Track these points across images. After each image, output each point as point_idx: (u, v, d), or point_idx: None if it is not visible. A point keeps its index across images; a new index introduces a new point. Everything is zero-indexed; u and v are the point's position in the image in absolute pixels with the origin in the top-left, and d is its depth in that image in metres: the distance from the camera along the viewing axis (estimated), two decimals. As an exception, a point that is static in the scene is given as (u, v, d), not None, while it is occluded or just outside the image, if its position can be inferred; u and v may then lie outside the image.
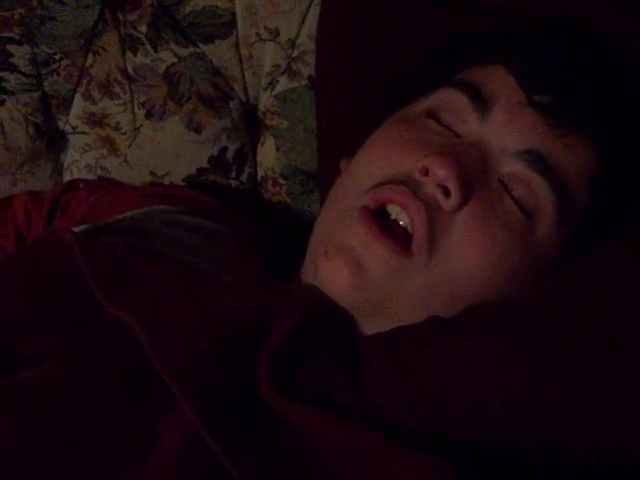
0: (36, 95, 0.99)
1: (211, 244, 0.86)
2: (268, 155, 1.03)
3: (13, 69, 0.97)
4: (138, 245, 0.81)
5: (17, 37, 0.97)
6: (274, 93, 1.00)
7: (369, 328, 0.72)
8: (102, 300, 0.70)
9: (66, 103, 1.00)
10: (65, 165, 1.03)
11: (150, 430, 0.63)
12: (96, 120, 1.00)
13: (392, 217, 0.72)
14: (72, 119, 1.00)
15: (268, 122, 1.01)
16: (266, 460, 0.62)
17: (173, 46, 0.98)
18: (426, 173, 0.71)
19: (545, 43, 0.79)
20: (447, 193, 0.70)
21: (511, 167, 0.73)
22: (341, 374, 0.66)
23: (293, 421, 0.64)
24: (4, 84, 0.98)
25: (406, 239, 0.71)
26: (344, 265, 0.72)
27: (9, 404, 0.65)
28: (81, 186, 0.99)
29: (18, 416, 0.64)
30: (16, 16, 0.96)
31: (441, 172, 0.70)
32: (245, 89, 1.01)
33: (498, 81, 0.76)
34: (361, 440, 0.63)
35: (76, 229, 0.82)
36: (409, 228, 0.71)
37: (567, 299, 0.70)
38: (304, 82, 0.98)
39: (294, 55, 0.98)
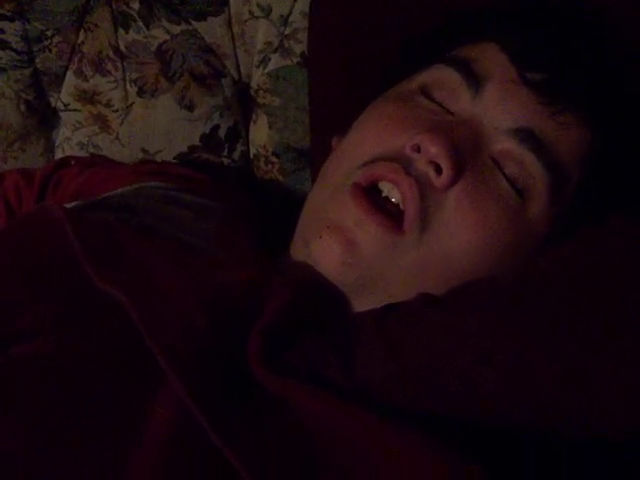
0: (27, 72, 0.98)
1: (202, 220, 0.85)
2: (260, 133, 1.03)
3: (4, 46, 0.97)
4: (129, 221, 0.81)
5: (8, 14, 0.96)
6: (266, 71, 1.00)
7: (360, 305, 0.72)
8: (93, 276, 0.69)
9: (58, 80, 0.99)
10: (57, 142, 1.03)
11: (142, 407, 0.63)
12: (88, 97, 1.00)
13: (384, 194, 0.72)
14: (64, 96, 1.00)
15: (260, 100, 1.01)
16: (257, 436, 0.62)
17: (165, 23, 0.97)
18: (418, 150, 0.71)
19: (539, 21, 0.79)
20: (439, 170, 0.70)
21: (503, 145, 0.72)
22: (332, 351, 0.66)
23: (285, 398, 0.63)
24: None
25: (398, 216, 0.71)
26: (336, 242, 0.72)
27: (3, 382, 0.65)
28: (73, 163, 0.98)
29: (13, 396, 0.64)
30: None
31: (433, 149, 0.70)
32: (237, 67, 1.00)
33: (491, 58, 0.75)
34: (352, 417, 0.62)
35: (67, 205, 0.81)
36: (401, 205, 0.71)
37: (558, 277, 0.70)
38: (296, 60, 0.98)
39: (286, 33, 0.98)
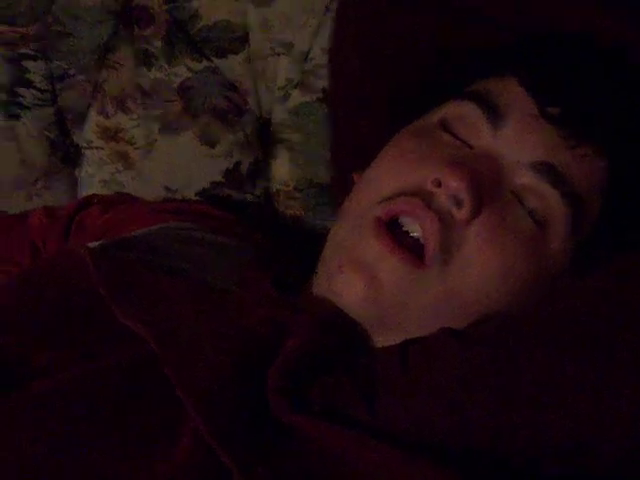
0: (51, 110, 0.99)
1: (223, 259, 0.85)
2: (282, 169, 1.01)
3: (28, 84, 0.98)
4: (151, 261, 0.80)
5: (32, 53, 0.97)
6: (287, 107, 0.99)
7: (381, 340, 0.71)
8: (116, 313, 0.68)
9: (80, 118, 1.00)
10: (80, 180, 1.03)
11: (162, 437, 0.62)
12: (110, 135, 1.00)
13: (404, 229, 0.70)
14: (86, 134, 1.00)
15: (281, 136, 1.00)
16: (276, 472, 0.61)
17: (187, 61, 0.97)
18: (438, 184, 0.70)
19: (557, 56, 0.78)
20: (460, 204, 0.69)
21: (524, 179, 0.71)
22: (355, 389, 0.65)
23: (306, 435, 0.62)
24: (20, 99, 0.99)
25: (419, 250, 0.69)
26: (358, 278, 0.70)
27: (25, 414, 0.64)
28: (96, 202, 0.97)
29: (35, 423, 0.63)
30: (31, 32, 0.96)
31: (453, 183, 0.69)
32: (258, 103, 1.00)
33: (511, 93, 0.74)
34: (380, 455, 0.61)
35: (90, 245, 0.80)
36: (421, 239, 0.69)
37: (579, 313, 0.68)
38: (317, 96, 0.97)
39: (307, 69, 0.97)
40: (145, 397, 0.65)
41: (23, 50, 0.97)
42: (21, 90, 0.98)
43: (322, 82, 0.95)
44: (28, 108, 0.99)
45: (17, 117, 0.99)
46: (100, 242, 0.82)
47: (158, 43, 0.96)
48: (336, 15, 0.91)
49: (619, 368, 0.64)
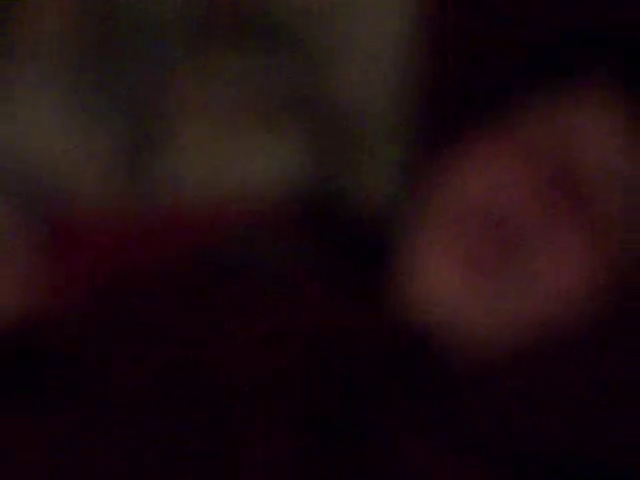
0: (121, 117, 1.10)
1: (280, 259, 0.80)
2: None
3: (101, 88, 1.07)
4: (213, 267, 0.76)
5: (102, 57, 1.07)
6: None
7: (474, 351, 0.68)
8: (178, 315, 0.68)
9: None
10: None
11: (238, 443, 0.64)
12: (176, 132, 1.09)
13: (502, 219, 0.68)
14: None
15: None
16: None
17: (253, 52, 1.06)
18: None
19: None
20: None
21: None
22: (439, 399, 0.66)
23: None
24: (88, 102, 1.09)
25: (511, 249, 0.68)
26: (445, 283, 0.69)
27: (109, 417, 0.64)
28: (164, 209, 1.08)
29: (120, 429, 0.65)
30: (100, 36, 1.06)
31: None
32: (336, 91, 1.08)
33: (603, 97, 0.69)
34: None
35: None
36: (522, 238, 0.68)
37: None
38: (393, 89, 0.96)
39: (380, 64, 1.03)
40: (214, 403, 0.64)
41: (89, 54, 1.06)
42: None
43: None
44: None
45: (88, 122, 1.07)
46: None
47: (227, 36, 1.02)
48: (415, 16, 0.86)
49: None
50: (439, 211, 0.74)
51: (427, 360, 0.73)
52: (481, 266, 0.71)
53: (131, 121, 1.11)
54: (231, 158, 1.10)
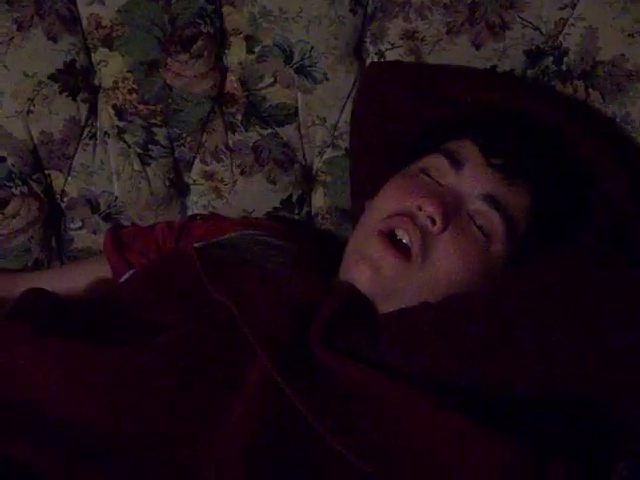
0: (170, 159, 1.04)
1: (280, 255, 0.93)
2: (318, 199, 1.08)
3: (156, 143, 1.03)
4: (233, 256, 0.89)
5: (159, 122, 1.02)
6: (323, 159, 1.05)
7: (383, 309, 0.79)
8: (210, 290, 0.78)
9: (189, 165, 1.05)
10: (188, 205, 1.08)
11: (237, 375, 0.70)
12: (208, 176, 1.05)
13: (398, 237, 0.79)
14: (193, 175, 1.06)
15: (319, 178, 1.07)
16: (321, 398, 0.68)
17: (258, 128, 1.03)
18: (420, 209, 0.79)
19: (496, 126, 0.86)
20: (433, 222, 0.78)
21: (475, 205, 0.80)
22: (365, 337, 0.73)
23: (336, 372, 0.70)
24: (150, 152, 1.03)
25: (407, 251, 0.78)
26: (367, 268, 0.79)
27: (156, 356, 0.73)
28: (198, 218, 1.06)
29: (158, 363, 0.72)
30: (158, 109, 1.01)
31: (430, 208, 0.78)
32: (304, 156, 1.06)
33: (467, 150, 0.83)
34: (376, 379, 0.70)
35: (195, 245, 0.90)
36: (409, 244, 0.78)
37: (515, 289, 0.77)
38: (342, 152, 1.04)
39: (336, 134, 1.03)
40: (224, 350, 0.73)
41: (153, 120, 1.01)
42: (151, 146, 1.03)
43: (345, 143, 1.02)
44: (155, 158, 1.04)
45: (148, 164, 1.04)
46: (201, 243, 0.92)
47: (239, 116, 1.02)
48: (355, 101, 1.00)
49: (559, 323, 0.72)
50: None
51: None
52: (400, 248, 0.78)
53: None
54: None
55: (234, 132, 1.04)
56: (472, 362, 0.71)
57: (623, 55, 0.91)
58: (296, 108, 1.02)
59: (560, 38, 0.95)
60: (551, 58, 0.97)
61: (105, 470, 0.66)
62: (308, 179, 1.08)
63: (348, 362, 0.71)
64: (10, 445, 0.65)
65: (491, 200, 0.80)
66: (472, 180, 0.81)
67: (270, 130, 1.04)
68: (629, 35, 0.90)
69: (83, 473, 0.65)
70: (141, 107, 1.00)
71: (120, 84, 0.99)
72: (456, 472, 0.64)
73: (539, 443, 0.65)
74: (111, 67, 0.99)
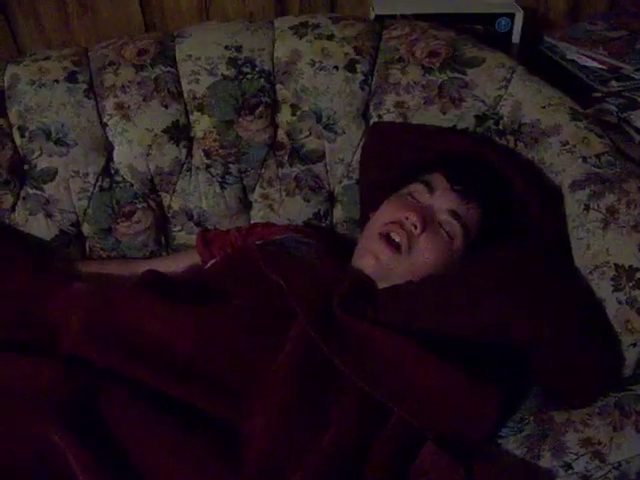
0: (240, 185, 1.08)
1: (311, 250, 0.97)
2: (337, 213, 1.11)
3: (231, 174, 1.06)
4: (281, 250, 0.93)
5: (232, 161, 1.05)
6: (341, 186, 1.09)
7: (382, 285, 0.83)
8: (266, 271, 0.82)
9: (252, 189, 1.09)
10: (252, 216, 1.11)
11: (284, 331, 0.74)
12: (265, 197, 1.09)
13: (392, 237, 0.84)
14: (255, 196, 1.10)
15: (338, 198, 1.11)
16: (341, 344, 0.72)
17: (298, 165, 1.07)
18: (407, 219, 0.84)
19: (458, 164, 0.90)
20: (416, 227, 0.83)
21: (444, 217, 0.85)
22: (369, 304, 0.78)
23: (351, 327, 0.74)
24: (227, 180, 1.06)
25: (398, 247, 0.83)
26: (371, 258, 0.84)
27: (228, 315, 0.76)
28: (258, 225, 1.09)
29: (229, 322, 0.75)
30: (232, 152, 1.04)
31: (413, 219, 0.83)
32: (329, 184, 1.09)
33: (438, 180, 0.88)
34: (381, 333, 0.73)
35: (257, 242, 0.95)
36: (400, 242, 0.83)
37: (469, 271, 0.80)
38: (354, 181, 1.07)
39: (350, 169, 1.07)
40: (274, 314, 0.76)
41: (229, 159, 1.04)
42: (227, 177, 1.04)
43: (356, 176, 1.06)
44: (230, 184, 1.06)
45: (225, 188, 1.06)
46: (260, 242, 0.97)
47: (285, 157, 1.05)
48: (362, 147, 1.03)
49: (505, 287, 0.74)
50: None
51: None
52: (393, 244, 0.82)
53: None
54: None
55: (282, 167, 1.08)
56: (438, 317, 0.75)
57: (538, 120, 0.96)
58: (324, 152, 1.07)
59: (498, 108, 1.00)
60: (492, 121, 1.01)
61: (187, 388, 0.68)
62: (331, 199, 1.12)
63: (358, 321, 0.75)
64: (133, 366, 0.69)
65: (454, 214, 0.84)
66: (441, 200, 0.85)
67: (306, 166, 1.08)
68: (542, 107, 0.96)
69: (174, 386, 0.67)
70: (221, 151, 1.05)
71: (207, 135, 1.05)
72: (428, 390, 0.67)
73: (481, 374, 0.69)
74: (202, 124, 1.05)
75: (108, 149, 1.03)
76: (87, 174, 1.01)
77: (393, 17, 1.11)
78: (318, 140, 1.06)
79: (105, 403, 0.64)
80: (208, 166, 1.07)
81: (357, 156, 1.06)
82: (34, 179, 1.00)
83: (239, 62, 1.01)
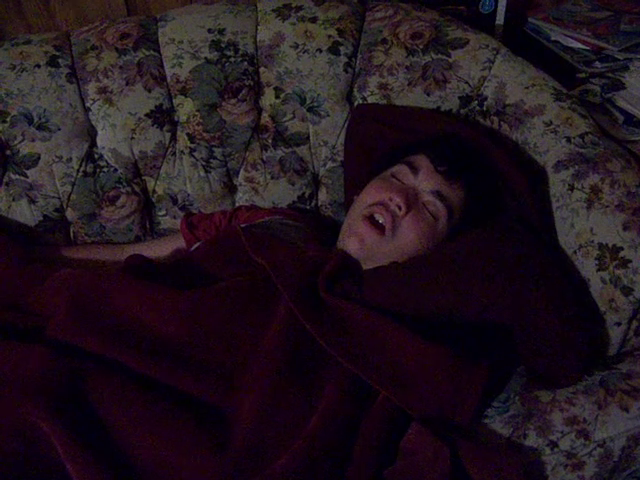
0: (224, 169, 1.07)
1: (295, 231, 0.96)
2: (322, 195, 1.10)
3: (215, 158, 1.05)
4: (266, 233, 0.92)
5: (217, 144, 1.03)
6: (326, 168, 1.08)
7: (366, 266, 0.82)
8: (251, 254, 0.82)
9: (236, 173, 1.08)
10: (236, 199, 1.10)
11: (270, 317, 0.73)
12: (249, 180, 1.08)
13: (376, 219, 0.83)
14: (239, 179, 1.09)
15: (323, 181, 1.09)
16: (326, 325, 0.71)
17: (282, 148, 1.06)
18: (391, 200, 0.83)
19: (443, 145, 0.89)
20: (400, 208, 0.82)
21: (427, 197, 0.84)
22: (354, 285, 0.77)
23: (335, 308, 0.74)
24: (211, 164, 1.05)
25: (382, 228, 0.82)
26: (355, 240, 0.83)
27: (213, 297, 0.74)
28: (242, 208, 1.08)
29: (215, 301, 0.74)
30: (216, 135, 1.03)
31: (397, 199, 0.83)
32: (313, 167, 1.08)
33: (422, 161, 0.87)
34: (364, 313, 0.73)
35: (241, 225, 0.95)
36: (384, 223, 0.82)
37: (452, 251, 0.79)
38: (338, 164, 1.06)
39: (334, 152, 1.06)
40: (260, 295, 0.75)
41: (212, 143, 1.03)
42: (211, 160, 1.04)
43: (340, 158, 1.05)
44: (214, 168, 1.05)
45: (209, 172, 1.05)
46: (245, 225, 0.97)
47: (270, 140, 1.05)
48: (347, 129, 1.02)
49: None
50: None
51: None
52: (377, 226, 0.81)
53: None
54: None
55: (266, 150, 1.07)
56: (423, 298, 0.74)
57: (522, 100, 0.96)
58: (308, 135, 1.06)
59: (482, 89, 1.00)
60: (476, 102, 1.01)
61: (174, 367, 0.67)
62: (316, 182, 1.11)
63: (342, 302, 0.74)
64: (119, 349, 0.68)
65: (438, 194, 0.84)
66: (425, 181, 0.85)
67: (290, 149, 1.07)
68: (525, 87, 0.96)
69: (162, 366, 0.67)
70: (205, 134, 1.05)
71: (191, 119, 1.04)
72: (413, 370, 0.66)
73: (466, 354, 0.69)
74: (185, 108, 1.04)
75: (91, 134, 1.02)
76: (70, 159, 1.00)
77: (376, -1, 1.15)
78: (302, 123, 1.06)
79: (92, 388, 0.63)
80: (192, 150, 1.06)
81: (341, 138, 1.06)
82: (17, 165, 0.99)
83: (222, 45, 0.99)
